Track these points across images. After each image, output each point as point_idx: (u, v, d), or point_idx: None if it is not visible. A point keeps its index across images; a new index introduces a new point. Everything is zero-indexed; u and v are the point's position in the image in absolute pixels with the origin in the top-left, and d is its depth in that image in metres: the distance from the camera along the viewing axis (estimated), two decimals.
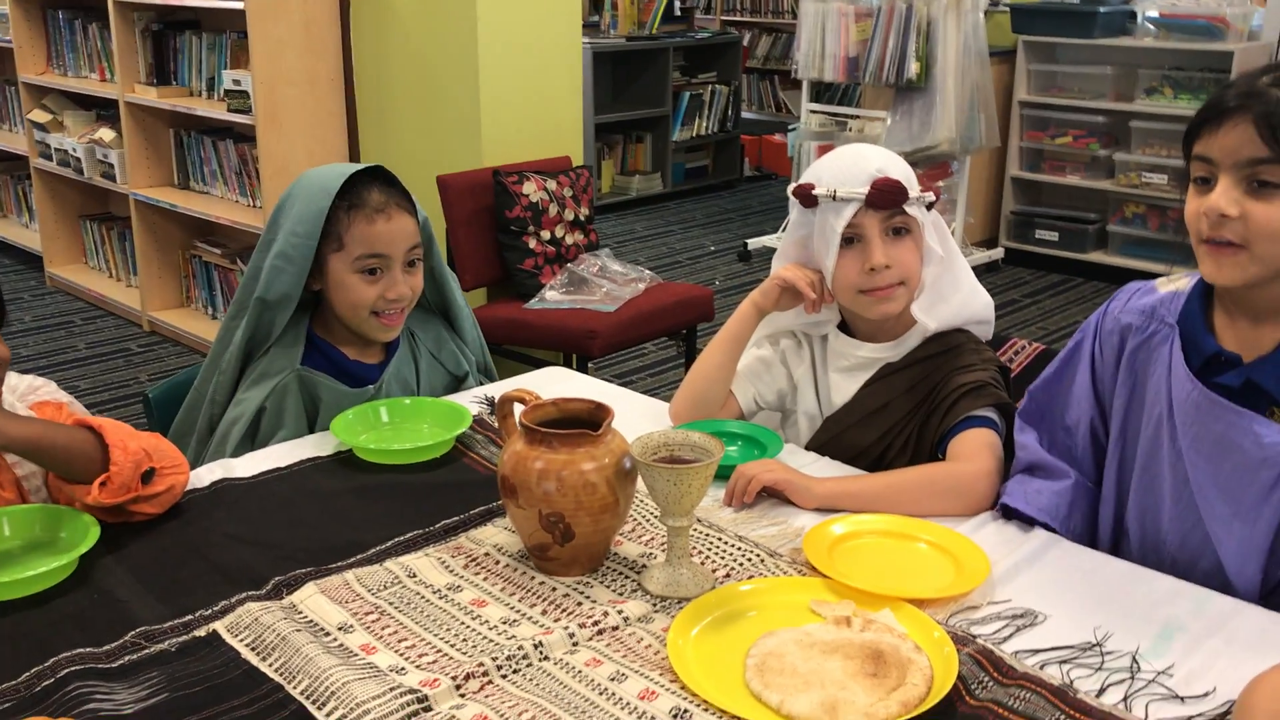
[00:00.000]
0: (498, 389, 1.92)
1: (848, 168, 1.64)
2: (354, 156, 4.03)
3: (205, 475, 1.59)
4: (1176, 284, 1.43)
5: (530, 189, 3.46)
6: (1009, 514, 1.48)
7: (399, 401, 1.79)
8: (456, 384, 1.95)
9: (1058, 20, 5.27)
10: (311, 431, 1.77)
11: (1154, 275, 1.52)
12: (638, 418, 1.77)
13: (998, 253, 5.58)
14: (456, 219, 3.45)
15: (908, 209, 1.63)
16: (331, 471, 1.63)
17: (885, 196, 1.61)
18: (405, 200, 1.78)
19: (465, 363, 1.95)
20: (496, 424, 1.74)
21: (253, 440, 1.76)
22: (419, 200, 1.84)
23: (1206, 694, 1.13)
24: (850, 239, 1.64)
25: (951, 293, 1.70)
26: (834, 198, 1.62)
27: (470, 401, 1.84)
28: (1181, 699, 1.13)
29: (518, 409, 1.39)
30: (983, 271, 5.42)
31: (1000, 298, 5.06)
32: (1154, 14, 5.24)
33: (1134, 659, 1.19)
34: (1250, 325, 1.32)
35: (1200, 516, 1.36)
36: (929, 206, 1.68)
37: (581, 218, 3.60)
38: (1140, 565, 1.40)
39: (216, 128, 4.36)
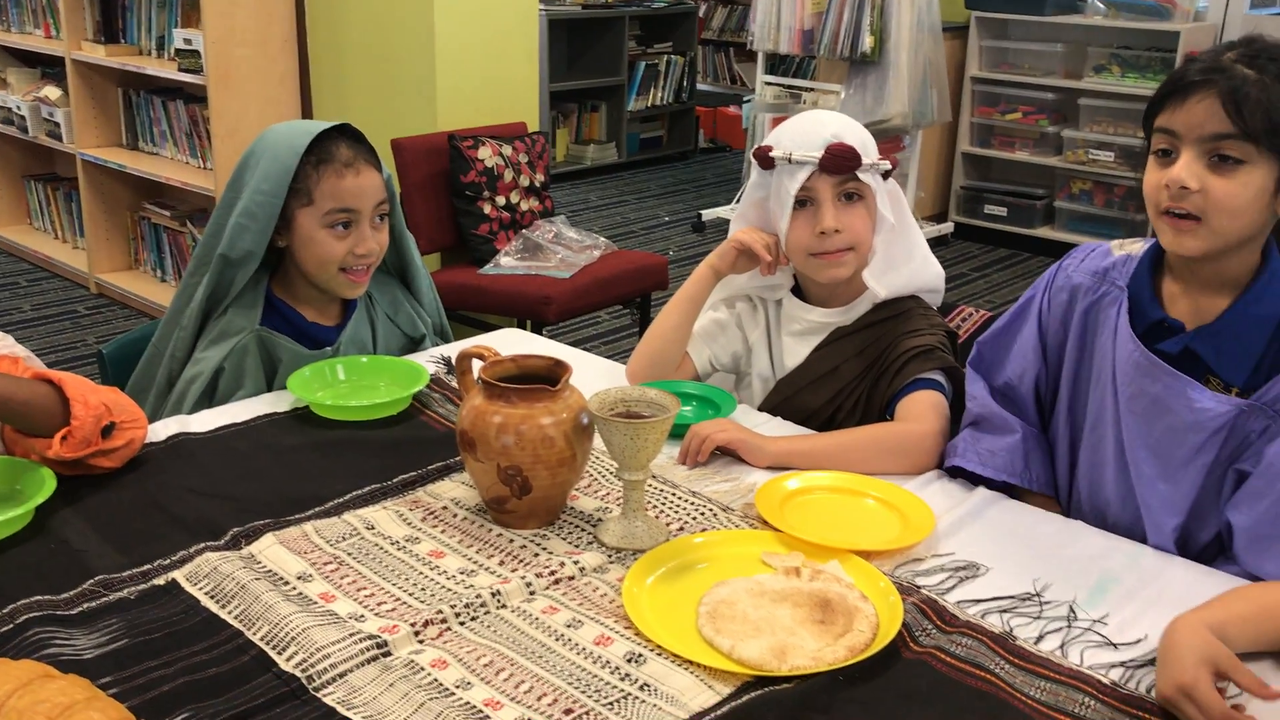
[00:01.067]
0: (455, 349, 1.93)
1: (805, 132, 1.67)
2: (307, 118, 3.99)
3: (161, 430, 1.60)
4: (1130, 248, 1.47)
5: (485, 154, 3.46)
6: (955, 473, 1.52)
7: (356, 360, 1.80)
8: (413, 346, 1.96)
9: None
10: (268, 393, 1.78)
11: None
12: (595, 378, 1.79)
13: (947, 227, 5.65)
14: (411, 183, 3.44)
15: (861, 175, 1.66)
16: (289, 427, 1.64)
17: (837, 161, 1.64)
18: (372, 156, 1.79)
19: (422, 325, 1.97)
20: (455, 382, 1.76)
21: (211, 399, 1.76)
22: None
23: (1138, 641, 1.19)
24: (804, 202, 1.67)
25: (903, 261, 1.74)
26: (789, 160, 1.65)
27: (427, 361, 1.85)
28: (1115, 646, 1.18)
29: (476, 365, 1.41)
30: (932, 245, 5.43)
31: (949, 271, 5.09)
32: None
33: (1071, 609, 1.24)
34: (1196, 295, 1.36)
35: (1133, 481, 1.41)
36: (885, 175, 1.71)
37: (537, 184, 3.61)
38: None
39: (166, 87, 4.30)
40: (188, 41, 3.87)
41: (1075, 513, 1.51)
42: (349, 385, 1.75)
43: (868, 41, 4.81)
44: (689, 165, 7.40)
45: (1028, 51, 5.48)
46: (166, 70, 4.04)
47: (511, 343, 2.00)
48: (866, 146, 1.68)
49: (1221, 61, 1.27)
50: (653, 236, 5.73)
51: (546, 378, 1.37)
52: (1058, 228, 5.47)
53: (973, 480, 1.51)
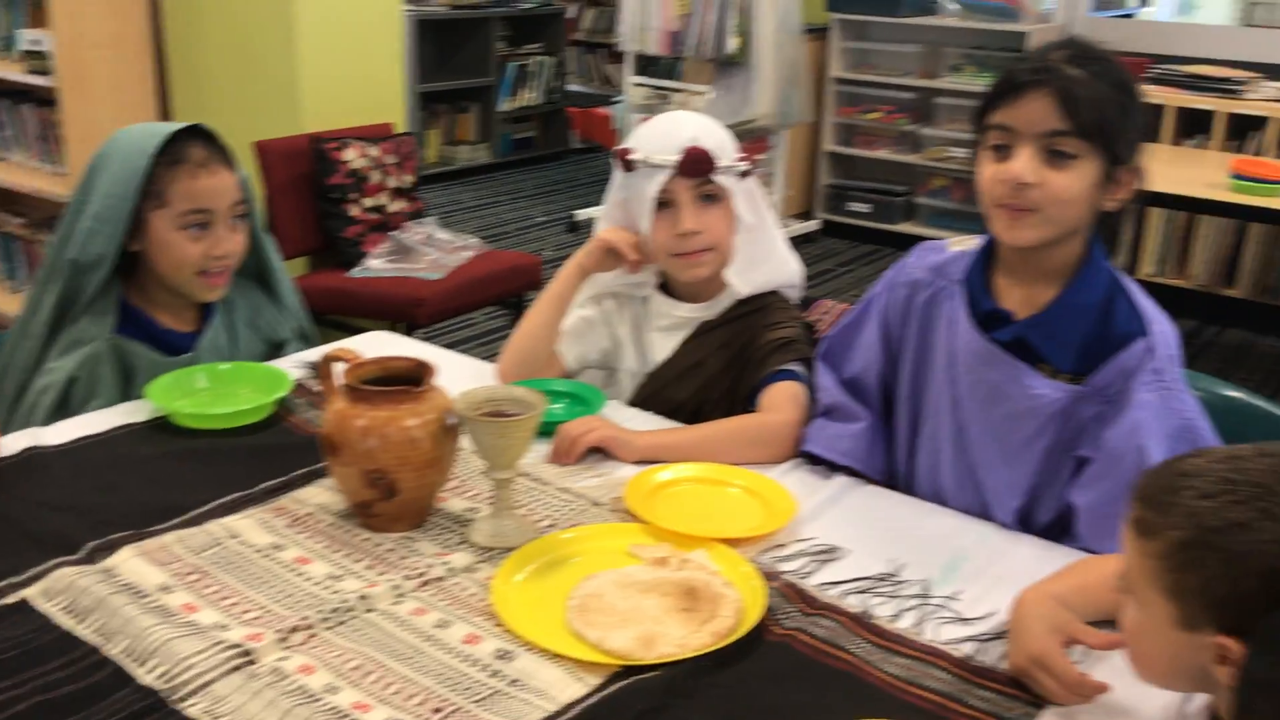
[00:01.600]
0: (320, 353, 1.90)
1: (663, 135, 1.70)
2: (166, 121, 3.87)
3: (12, 444, 1.54)
4: (965, 245, 1.53)
5: (351, 155, 3.41)
6: (814, 460, 1.57)
7: (216, 366, 1.76)
8: (275, 351, 1.93)
9: None
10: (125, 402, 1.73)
11: None
12: (466, 378, 1.78)
13: (814, 224, 5.78)
14: (275, 186, 3.37)
15: (717, 178, 1.69)
16: (148, 438, 1.60)
17: (694, 165, 1.67)
18: (226, 156, 1.77)
19: (284, 330, 1.94)
20: (319, 385, 1.74)
21: (64, 410, 1.70)
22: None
23: (988, 615, 1.24)
24: (665, 204, 1.70)
25: (763, 260, 1.77)
26: (648, 163, 1.68)
27: (291, 366, 1.82)
28: (966, 621, 1.24)
29: (339, 369, 1.40)
30: (800, 242, 5.60)
31: (816, 267, 5.25)
32: None
33: (925, 586, 1.30)
34: (1026, 287, 1.43)
35: (973, 465, 1.48)
36: (743, 175, 1.74)
37: (405, 185, 3.57)
38: None
39: (13, 90, 4.12)
40: (35, 42, 3.72)
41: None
42: (210, 393, 1.71)
43: (733, 43, 4.89)
44: (562, 166, 7.41)
45: (886, 52, 5.65)
46: (13, 72, 3.87)
47: (378, 345, 1.98)
48: (724, 148, 1.71)
49: (1050, 61, 1.33)
50: (527, 237, 5.73)
51: (411, 379, 1.37)
52: (919, 223, 5.64)
53: (831, 468, 1.56)
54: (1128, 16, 5.91)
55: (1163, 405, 1.35)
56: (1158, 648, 0.95)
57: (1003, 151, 1.36)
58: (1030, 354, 1.41)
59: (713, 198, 1.70)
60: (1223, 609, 0.88)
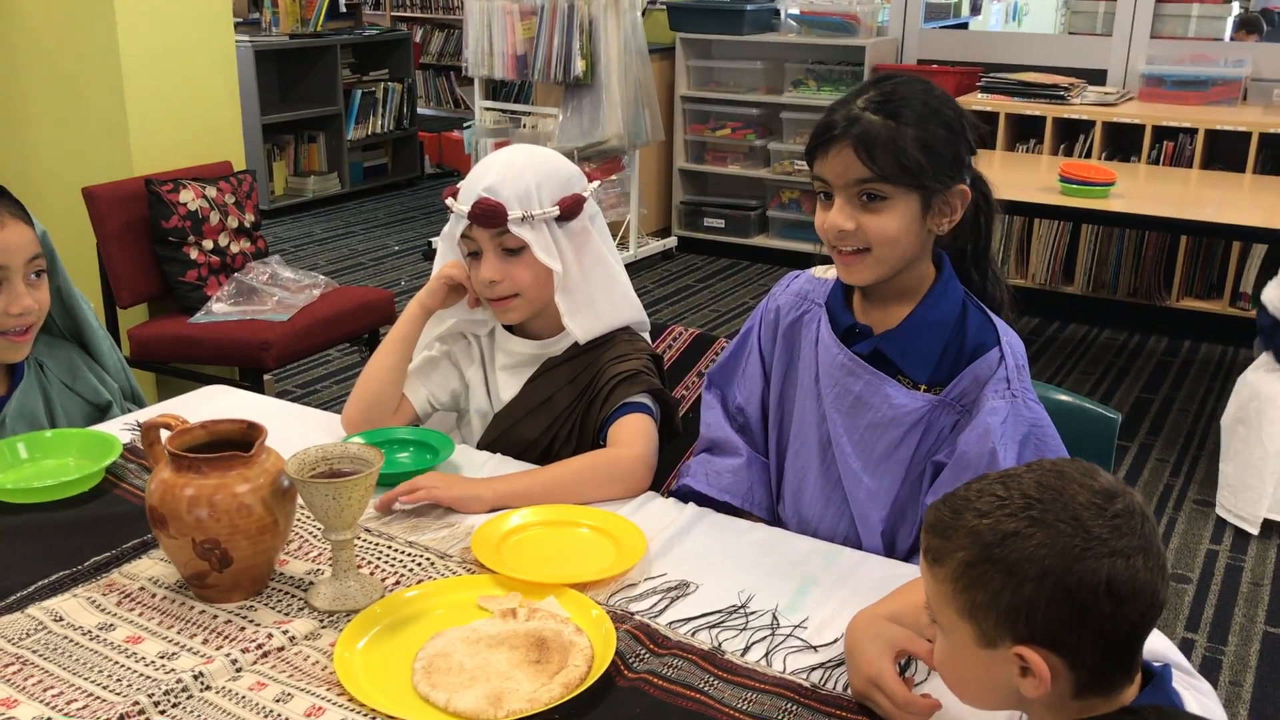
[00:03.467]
0: (151, 414, 1.83)
1: (471, 181, 1.69)
2: None
3: None
4: (828, 272, 1.57)
5: (188, 197, 3.30)
6: (694, 497, 1.57)
7: (39, 435, 1.68)
8: (99, 414, 1.84)
9: (710, 18, 5.57)
10: None
11: (809, 254, 1.65)
12: (311, 430, 1.75)
13: (671, 241, 5.83)
14: (108, 233, 3.24)
15: (516, 229, 1.65)
16: None
17: (482, 218, 1.65)
18: (18, 209, 1.69)
19: (106, 391, 1.85)
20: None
21: None
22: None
23: (835, 640, 1.26)
24: (476, 252, 1.70)
25: (600, 303, 1.75)
26: (453, 209, 1.68)
27: (120, 429, 1.74)
28: (815, 648, 1.25)
29: (165, 435, 1.34)
30: (658, 260, 5.65)
31: (675, 284, 5.29)
32: (795, 11, 5.63)
33: (774, 616, 1.31)
34: (882, 306, 1.48)
35: (839, 480, 1.50)
36: (563, 219, 1.69)
37: (247, 224, 3.48)
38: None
39: None
40: None
41: (784, 524, 1.58)
42: (32, 464, 1.63)
43: (579, 65, 4.90)
44: (416, 192, 7.32)
45: (730, 70, 5.74)
46: None
47: (213, 401, 1.91)
48: (528, 197, 1.65)
49: (854, 110, 1.38)
50: (383, 267, 5.63)
51: (241, 443, 1.32)
52: (772, 236, 5.74)
53: (697, 501, 1.57)
54: (961, 27, 6.14)
55: (1012, 411, 1.40)
56: (967, 669, 0.98)
57: (827, 200, 1.42)
58: (888, 366, 1.45)
59: (514, 249, 1.67)
60: (1013, 619, 0.92)
